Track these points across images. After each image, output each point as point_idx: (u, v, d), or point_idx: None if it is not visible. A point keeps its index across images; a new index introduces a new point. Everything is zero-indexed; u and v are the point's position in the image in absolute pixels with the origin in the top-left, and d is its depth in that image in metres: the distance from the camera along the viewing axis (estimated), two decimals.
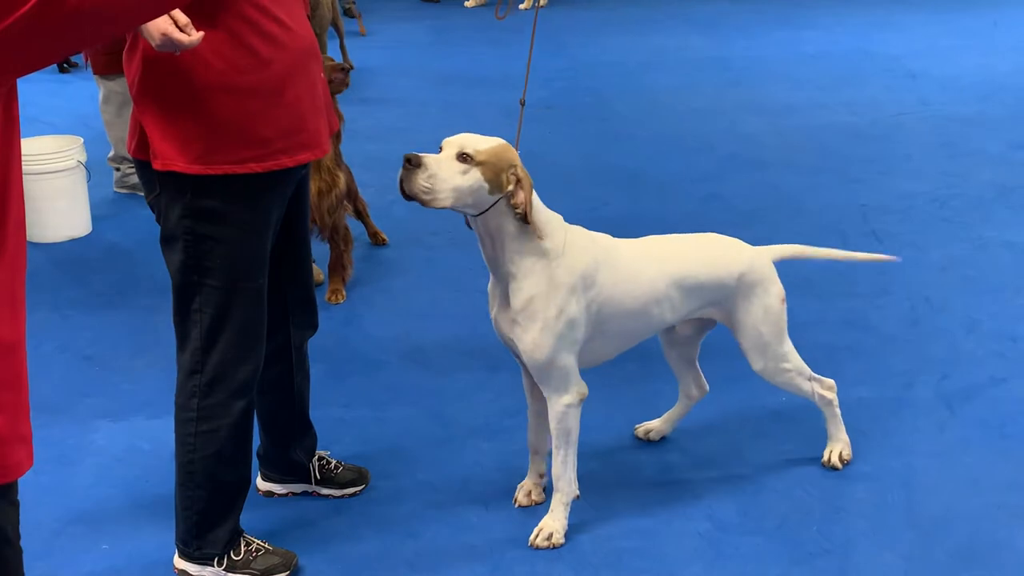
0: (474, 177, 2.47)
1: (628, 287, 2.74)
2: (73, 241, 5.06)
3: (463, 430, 3.37)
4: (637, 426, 3.32)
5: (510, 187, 2.51)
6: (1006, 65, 8.08)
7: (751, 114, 7.03)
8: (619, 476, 3.12)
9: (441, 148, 2.54)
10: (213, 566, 2.64)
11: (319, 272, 4.57)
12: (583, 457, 3.17)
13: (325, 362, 3.83)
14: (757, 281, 2.93)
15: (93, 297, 4.43)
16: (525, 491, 2.97)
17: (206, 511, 2.61)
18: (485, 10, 11.36)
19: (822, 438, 3.27)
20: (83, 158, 5.12)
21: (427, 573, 2.72)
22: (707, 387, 3.26)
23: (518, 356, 2.77)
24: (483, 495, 3.03)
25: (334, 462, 3.04)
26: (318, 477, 2.99)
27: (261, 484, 3.02)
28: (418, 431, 3.38)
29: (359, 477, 3.04)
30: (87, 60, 5.62)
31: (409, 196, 2.48)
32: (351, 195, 4.46)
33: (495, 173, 2.50)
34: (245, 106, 2.36)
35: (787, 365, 3.00)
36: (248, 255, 2.48)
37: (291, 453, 2.97)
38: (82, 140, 5.19)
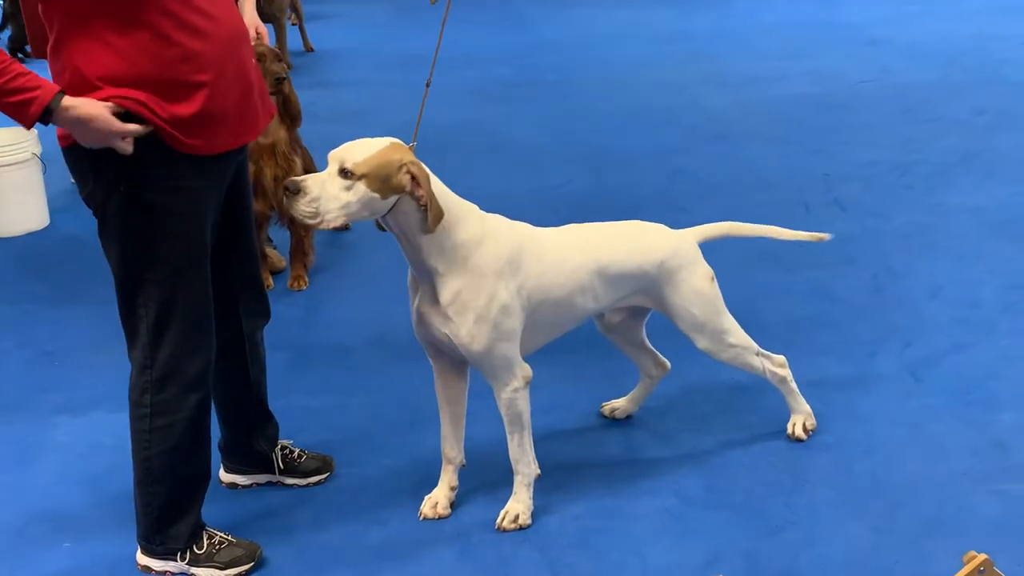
0: (359, 191, 2.40)
1: (553, 276, 2.70)
2: (31, 235, 4.99)
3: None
4: (603, 404, 3.31)
5: (407, 186, 2.44)
6: (968, 30, 8.11)
7: (714, 87, 7.03)
8: (585, 454, 3.11)
9: (328, 163, 2.48)
10: (176, 560, 2.62)
11: (280, 259, 4.52)
12: (549, 437, 3.18)
13: (288, 349, 3.81)
14: (681, 266, 2.89)
15: (52, 291, 4.37)
16: (432, 503, 2.83)
17: (166, 507, 2.58)
18: None
19: (786, 410, 3.27)
20: (38, 150, 5.04)
21: (394, 560, 2.70)
22: (668, 365, 3.24)
23: (440, 353, 2.73)
24: None
25: (297, 451, 3.01)
26: (281, 467, 2.97)
27: (224, 476, 2.99)
28: (384, 417, 3.35)
29: (323, 465, 3.01)
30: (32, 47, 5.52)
31: (300, 224, 2.46)
32: None
33: (382, 180, 2.41)
34: (174, 96, 2.33)
35: (731, 340, 2.97)
36: (187, 244, 2.43)
37: (252, 444, 2.94)
38: (36, 132, 5.11)
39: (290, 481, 2.98)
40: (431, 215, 2.45)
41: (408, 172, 2.43)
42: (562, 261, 2.72)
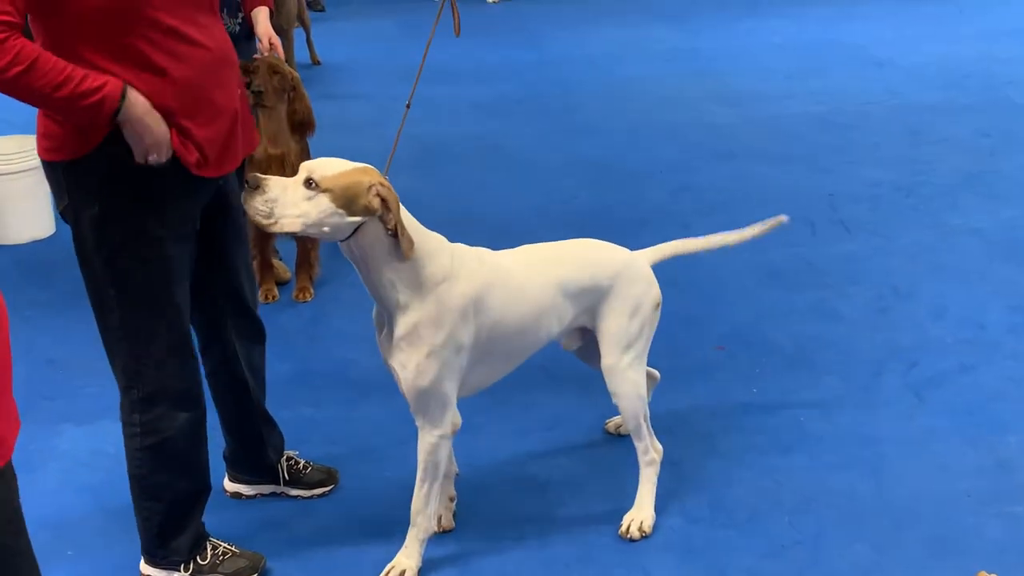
0: (321, 203, 2.33)
1: (518, 303, 2.62)
2: (36, 242, 5.00)
3: None
4: (608, 421, 3.30)
5: (376, 208, 2.36)
6: (971, 52, 8.12)
7: (719, 104, 7.04)
8: (591, 471, 3.11)
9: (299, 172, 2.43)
10: (179, 571, 2.61)
11: (286, 270, 4.53)
12: (553, 452, 3.18)
13: (293, 360, 3.81)
14: (634, 280, 2.80)
15: (56, 299, 4.37)
16: (435, 519, 2.80)
17: (165, 522, 2.57)
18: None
19: (793, 430, 3.28)
20: None
21: None
22: (657, 375, 3.19)
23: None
24: None
25: (303, 462, 3.01)
26: (286, 477, 2.96)
27: (228, 485, 2.99)
28: (388, 430, 3.35)
29: (328, 477, 3.01)
30: None
31: (253, 224, 2.38)
32: None
33: (348, 199, 2.34)
34: None
35: (635, 375, 2.79)
36: (161, 266, 2.40)
37: (258, 454, 2.94)
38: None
39: (294, 492, 2.98)
40: (403, 241, 2.37)
41: (378, 194, 2.35)
42: (525, 285, 2.64)
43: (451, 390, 2.56)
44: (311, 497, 2.98)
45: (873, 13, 9.85)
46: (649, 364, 3.24)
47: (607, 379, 2.80)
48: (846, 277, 4.35)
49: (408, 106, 2.93)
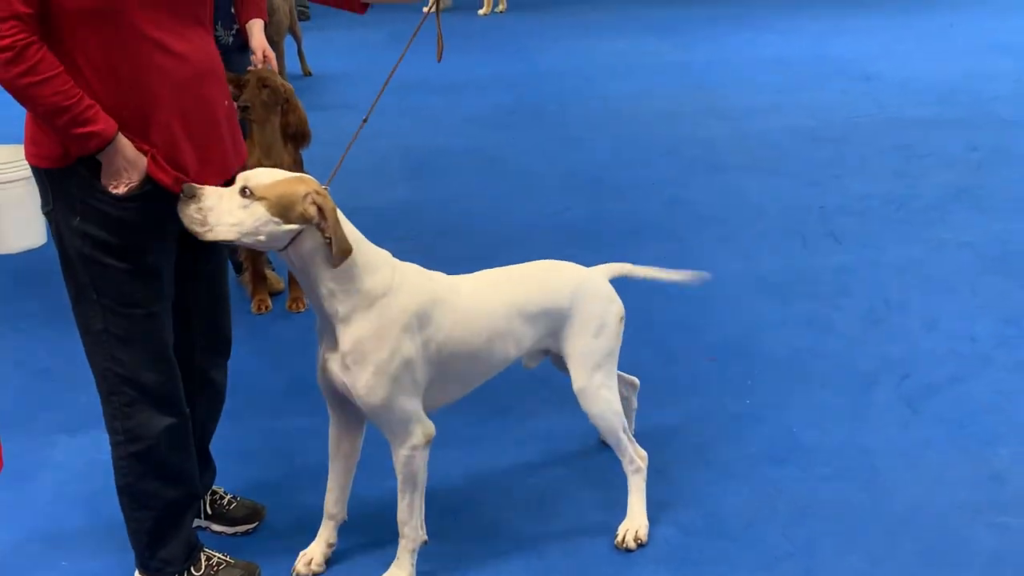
0: (256, 212, 2.31)
1: (470, 324, 2.59)
2: (29, 252, 4.99)
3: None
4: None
5: (313, 216, 2.33)
6: (960, 68, 8.19)
7: (711, 118, 7.08)
8: (586, 481, 3.11)
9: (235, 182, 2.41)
10: None
11: (279, 280, 4.53)
12: (549, 463, 3.19)
13: (287, 371, 3.81)
14: (594, 296, 2.77)
15: (49, 308, 4.36)
16: (306, 559, 2.74)
17: (154, 531, 2.55)
18: (444, 16, 11.33)
19: (786, 440, 3.29)
20: None
21: None
22: (636, 381, 3.18)
23: (340, 403, 2.63)
24: (452, 504, 3.02)
25: (228, 497, 2.93)
26: (209, 512, 2.89)
27: None
28: (385, 439, 3.34)
29: (252, 514, 2.93)
30: None
31: (188, 230, 2.34)
32: None
33: (284, 206, 2.32)
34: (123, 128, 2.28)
35: (607, 394, 2.77)
36: (142, 276, 2.38)
37: None
38: None
39: (217, 528, 2.91)
40: (336, 248, 2.34)
41: (314, 202, 2.33)
42: (479, 308, 2.62)
43: (410, 404, 2.53)
44: (234, 534, 2.89)
45: (862, 28, 9.93)
46: (640, 374, 3.26)
47: (580, 401, 2.78)
48: (837, 289, 4.38)
49: (365, 120, 2.93)
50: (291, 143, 4.11)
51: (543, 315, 2.71)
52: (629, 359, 3.73)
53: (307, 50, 9.06)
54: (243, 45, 4.21)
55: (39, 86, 2.13)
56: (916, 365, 3.73)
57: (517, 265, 2.81)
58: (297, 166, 4.12)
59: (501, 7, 11.45)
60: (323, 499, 2.79)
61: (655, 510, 2.91)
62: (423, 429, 2.58)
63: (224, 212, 2.32)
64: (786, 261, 4.66)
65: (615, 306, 2.81)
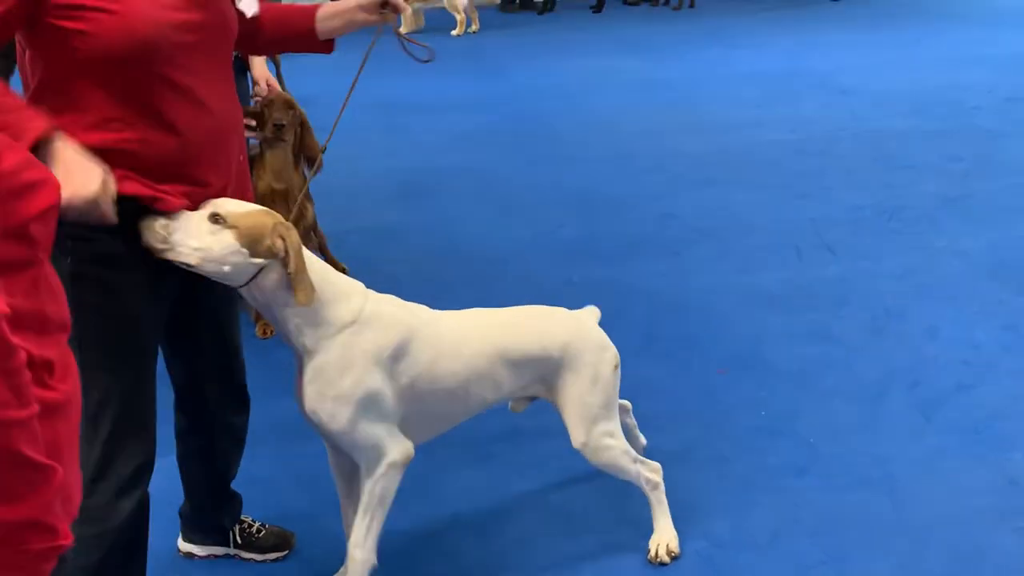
0: (226, 240, 2.22)
1: (447, 364, 2.51)
2: None
3: (448, 459, 3.34)
4: None
5: (279, 251, 2.27)
6: (933, 80, 8.32)
7: (693, 133, 7.13)
8: (610, 501, 3.10)
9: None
10: None
11: None
12: (575, 480, 3.18)
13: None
14: (586, 348, 2.68)
15: None
16: None
17: None
18: (418, 36, 11.38)
19: (805, 451, 3.31)
20: None
21: None
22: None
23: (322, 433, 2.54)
24: (475, 522, 3.01)
25: (256, 525, 2.91)
26: (239, 541, 2.86)
27: (182, 545, 2.90)
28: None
29: (282, 542, 2.90)
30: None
31: (146, 246, 2.21)
32: (314, 228, 4.41)
33: (253, 238, 2.24)
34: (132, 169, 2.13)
35: (611, 442, 2.72)
36: (121, 328, 2.22)
37: (212, 518, 2.84)
38: None
39: (247, 556, 2.88)
40: (299, 286, 2.28)
41: (280, 236, 2.26)
42: (458, 347, 2.54)
43: (378, 429, 2.44)
44: (263, 561, 2.88)
45: (833, 43, 10.06)
46: (652, 390, 3.26)
47: (584, 456, 2.73)
48: (837, 300, 4.42)
49: (324, 148, 2.91)
50: (304, 166, 4.10)
51: (529, 363, 2.64)
52: (639, 375, 3.77)
53: (286, 72, 9.02)
54: (241, 68, 4.21)
55: None
56: (923, 373, 3.77)
57: (507, 308, 2.74)
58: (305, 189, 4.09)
59: (474, 27, 11.50)
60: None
61: (682, 524, 2.92)
62: (400, 447, 2.48)
63: (192, 234, 2.21)
64: (783, 273, 4.70)
65: (608, 354, 2.72)
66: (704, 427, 3.48)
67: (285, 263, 2.28)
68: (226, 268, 2.26)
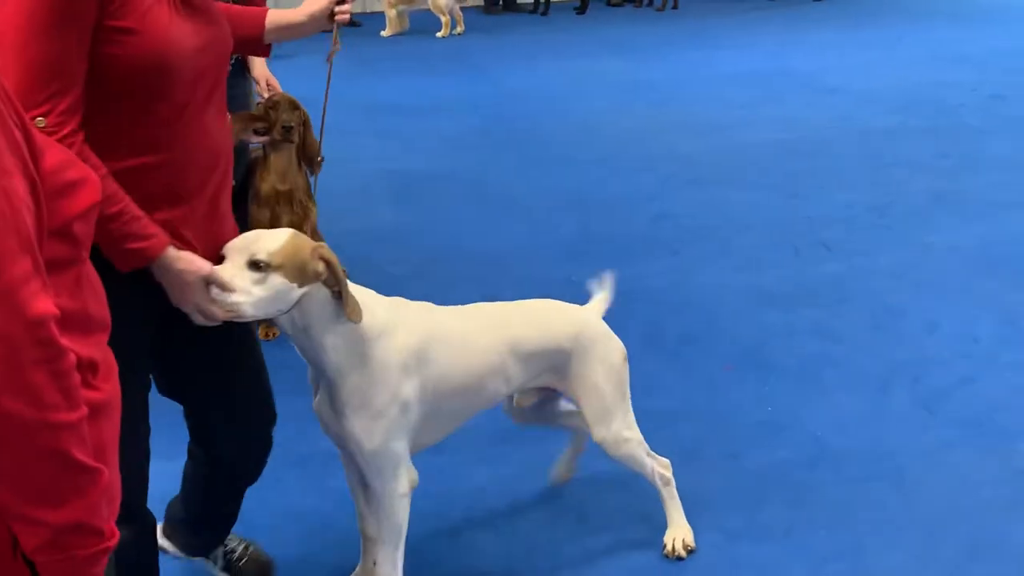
0: (276, 283, 2.16)
1: (462, 361, 2.50)
2: None
3: (469, 449, 3.35)
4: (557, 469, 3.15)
5: (323, 273, 2.21)
6: (917, 78, 8.40)
7: (682, 134, 7.18)
8: (622, 495, 3.12)
9: (223, 257, 2.18)
10: None
11: None
12: (586, 478, 3.20)
13: (303, 395, 3.78)
14: (595, 339, 2.70)
15: None
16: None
17: None
18: (403, 39, 11.39)
19: (813, 445, 3.35)
20: None
21: None
22: (572, 407, 2.99)
23: (344, 448, 2.51)
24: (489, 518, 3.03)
25: (239, 551, 2.77)
26: (221, 564, 2.77)
27: (160, 533, 2.62)
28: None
29: (263, 572, 2.78)
30: None
31: (209, 321, 2.14)
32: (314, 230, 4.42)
33: (299, 270, 2.19)
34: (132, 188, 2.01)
35: (629, 434, 2.76)
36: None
37: (201, 536, 2.71)
38: None
39: None
40: (349, 302, 2.24)
41: (321, 257, 2.21)
42: (472, 343, 2.53)
43: (402, 448, 2.44)
44: None
45: (816, 43, 10.14)
46: (659, 386, 3.29)
47: (604, 450, 2.77)
48: (837, 297, 4.46)
49: (322, 159, 2.88)
50: (306, 166, 4.10)
51: (541, 355, 2.65)
52: (644, 373, 3.79)
53: (273, 74, 9.02)
54: (241, 68, 4.21)
55: None
56: (925, 367, 3.82)
57: (513, 302, 2.75)
58: (308, 190, 4.11)
59: (459, 29, 11.51)
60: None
61: (696, 517, 2.94)
62: (409, 476, 2.47)
63: (245, 291, 2.14)
64: (782, 271, 4.75)
65: (614, 344, 2.75)
66: (712, 424, 3.51)
67: (327, 284, 2.24)
68: (273, 310, 2.20)
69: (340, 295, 2.25)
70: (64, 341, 1.31)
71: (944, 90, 7.94)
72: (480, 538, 2.98)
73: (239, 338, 2.35)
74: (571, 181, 6.23)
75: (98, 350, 1.48)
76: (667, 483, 2.89)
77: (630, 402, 2.80)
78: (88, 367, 1.42)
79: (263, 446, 2.49)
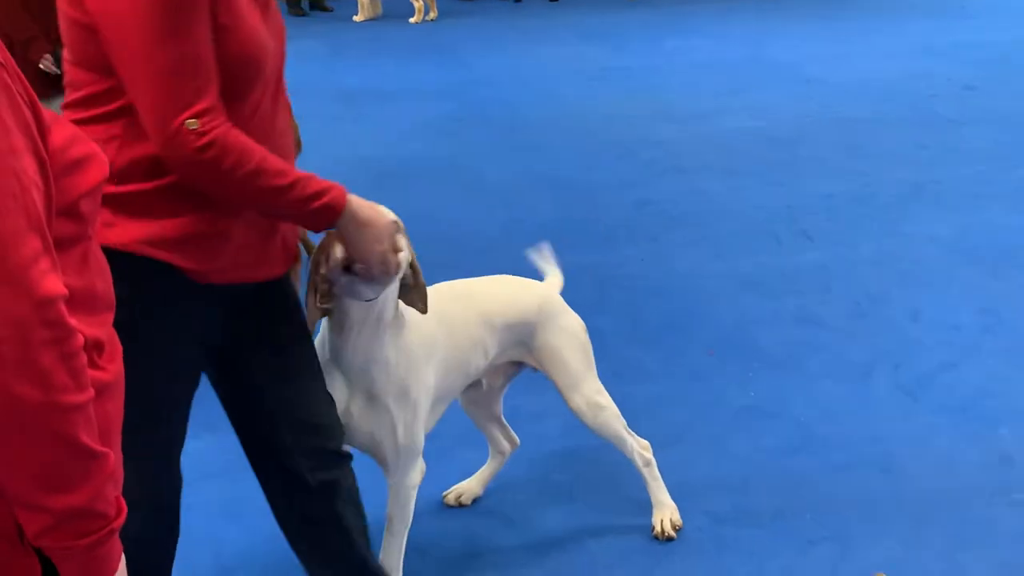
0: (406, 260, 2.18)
1: (452, 339, 2.50)
2: None
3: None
4: (446, 493, 3.05)
5: (405, 264, 2.19)
6: (893, 70, 8.41)
7: (660, 121, 7.15)
8: (610, 476, 3.11)
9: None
10: None
11: None
12: (575, 458, 3.18)
13: None
14: (557, 311, 2.75)
15: None
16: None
17: None
18: (376, 24, 11.30)
19: (797, 430, 3.34)
20: None
21: None
22: (517, 440, 3.08)
23: (370, 449, 2.40)
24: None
25: None
26: None
27: None
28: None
29: None
30: None
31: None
32: None
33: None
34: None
35: (604, 402, 2.77)
36: (143, 364, 1.67)
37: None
38: None
39: None
40: (421, 295, 2.26)
41: (397, 248, 2.12)
42: (456, 320, 2.53)
43: (421, 439, 2.43)
44: None
45: (791, 33, 10.14)
46: (642, 372, 3.25)
47: (579, 418, 2.77)
48: (818, 285, 4.46)
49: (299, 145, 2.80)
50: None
51: (510, 327, 2.66)
52: (626, 359, 3.78)
53: None
54: None
55: (257, 175, 1.83)
56: (908, 355, 3.82)
57: (476, 278, 2.74)
58: None
59: (432, 15, 11.43)
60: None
61: (683, 501, 2.93)
62: (420, 469, 2.47)
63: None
64: (764, 259, 4.74)
65: (575, 316, 2.79)
66: (696, 409, 3.49)
67: (412, 273, 2.24)
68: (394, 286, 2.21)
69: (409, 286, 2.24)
70: (72, 321, 1.27)
71: (919, 81, 7.96)
72: (467, 521, 2.95)
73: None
74: (547, 167, 6.19)
75: (103, 330, 1.44)
76: (648, 463, 2.88)
77: (596, 373, 2.79)
78: (94, 347, 1.39)
79: (336, 442, 2.27)
